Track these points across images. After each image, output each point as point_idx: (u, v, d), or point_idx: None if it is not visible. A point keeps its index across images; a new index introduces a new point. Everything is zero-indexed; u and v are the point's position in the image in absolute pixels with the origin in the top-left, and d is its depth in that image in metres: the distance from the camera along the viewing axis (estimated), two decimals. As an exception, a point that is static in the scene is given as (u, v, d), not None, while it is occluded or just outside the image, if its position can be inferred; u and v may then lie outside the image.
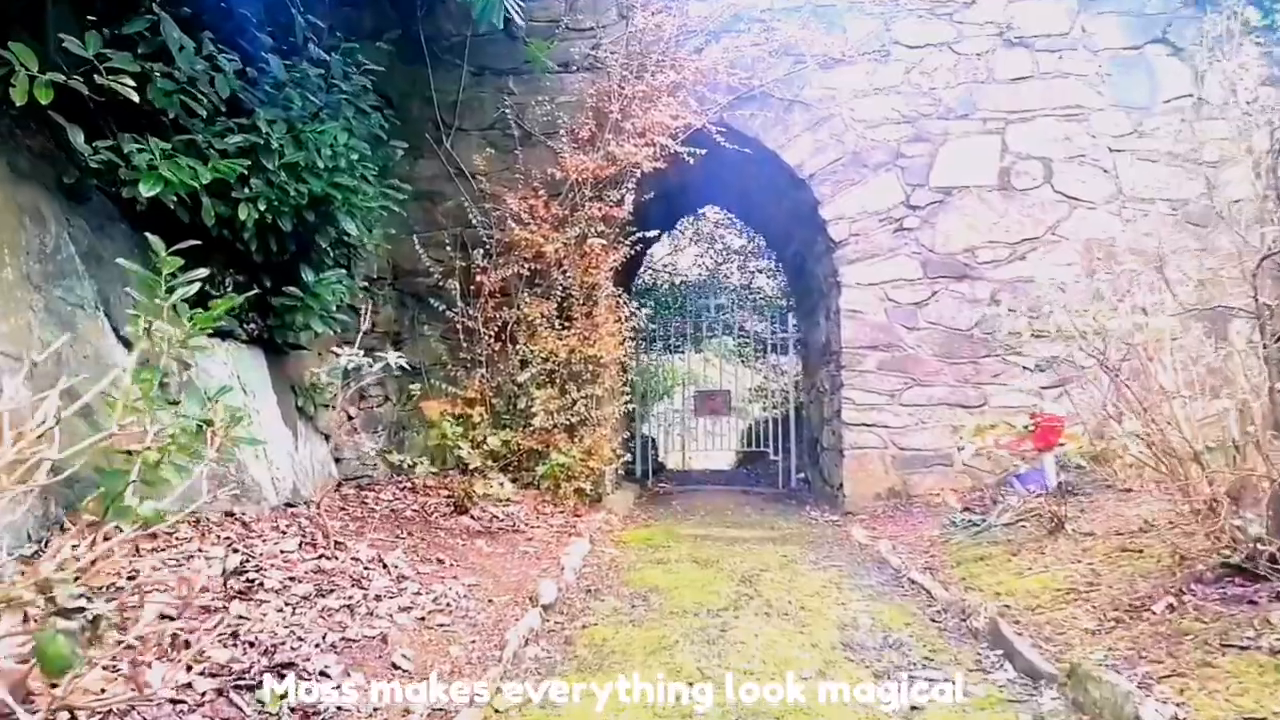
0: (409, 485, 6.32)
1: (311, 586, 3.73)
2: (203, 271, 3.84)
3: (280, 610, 3.45)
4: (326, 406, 6.10)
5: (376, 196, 5.60)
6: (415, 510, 5.74)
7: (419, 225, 7.27)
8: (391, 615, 3.62)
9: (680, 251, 18.87)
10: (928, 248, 7.18)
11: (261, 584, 3.66)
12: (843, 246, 7.22)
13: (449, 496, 5.98)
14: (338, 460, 6.17)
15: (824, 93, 7.24)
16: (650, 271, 18.77)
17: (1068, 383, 6.65)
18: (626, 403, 8.55)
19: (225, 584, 3.55)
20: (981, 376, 7.11)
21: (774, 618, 3.96)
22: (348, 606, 3.62)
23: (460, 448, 5.73)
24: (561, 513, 6.35)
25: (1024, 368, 7.07)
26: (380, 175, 6.35)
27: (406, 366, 7.20)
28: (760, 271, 17.36)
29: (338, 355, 4.36)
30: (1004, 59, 7.24)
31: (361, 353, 4.45)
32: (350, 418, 6.35)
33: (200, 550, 3.82)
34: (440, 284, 6.91)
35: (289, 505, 5.06)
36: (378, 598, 3.78)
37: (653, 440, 18.08)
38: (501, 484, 5.52)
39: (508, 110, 7.22)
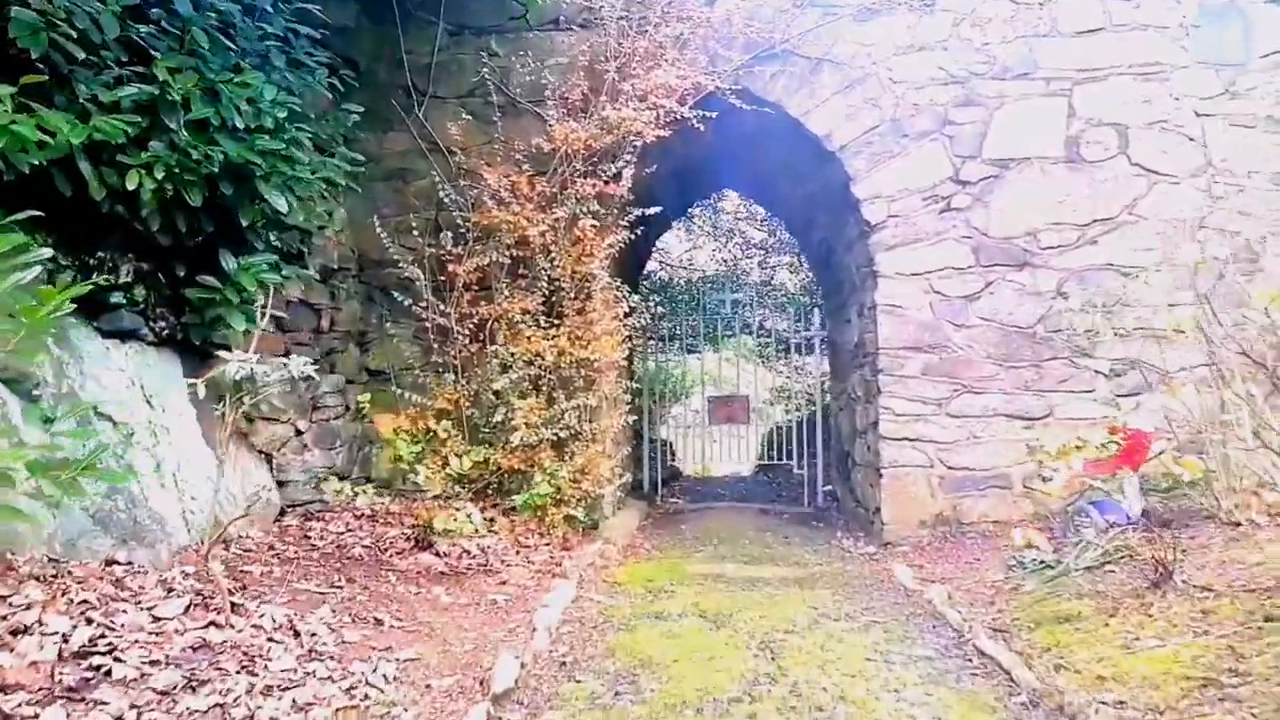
0: (368, 513, 5.36)
1: (180, 674, 2.76)
2: (45, 252, 2.92)
3: (119, 718, 2.49)
4: (268, 420, 5.15)
5: (317, 166, 4.64)
6: (367, 546, 4.77)
7: (388, 208, 6.31)
8: (274, 725, 2.64)
9: (698, 248, 17.90)
10: (980, 231, 6.10)
11: (109, 671, 2.69)
12: (879, 230, 6.16)
13: (414, 526, 5.01)
14: (282, 484, 5.21)
15: (858, 49, 6.17)
16: (666, 267, 17.80)
17: (1139, 390, 5.57)
18: (631, 411, 7.57)
19: (53, 674, 2.60)
20: (1045, 382, 6.03)
21: (804, 717, 2.93)
22: (220, 707, 2.65)
23: (416, 472, 4.75)
24: (548, 545, 5.36)
25: (1097, 372, 5.98)
26: (332, 144, 5.41)
27: (372, 370, 6.35)
28: (782, 266, 16.32)
29: (229, 361, 3.35)
30: (1070, 8, 6.14)
31: (256, 358, 3.47)
32: (299, 432, 5.39)
33: (39, 622, 2.85)
34: (411, 276, 5.95)
35: (222, 543, 4.12)
36: (268, 690, 2.80)
37: (668, 445, 17.13)
38: (469, 515, 4.55)
39: (489, 74, 6.22)
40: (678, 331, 10.16)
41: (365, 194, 6.34)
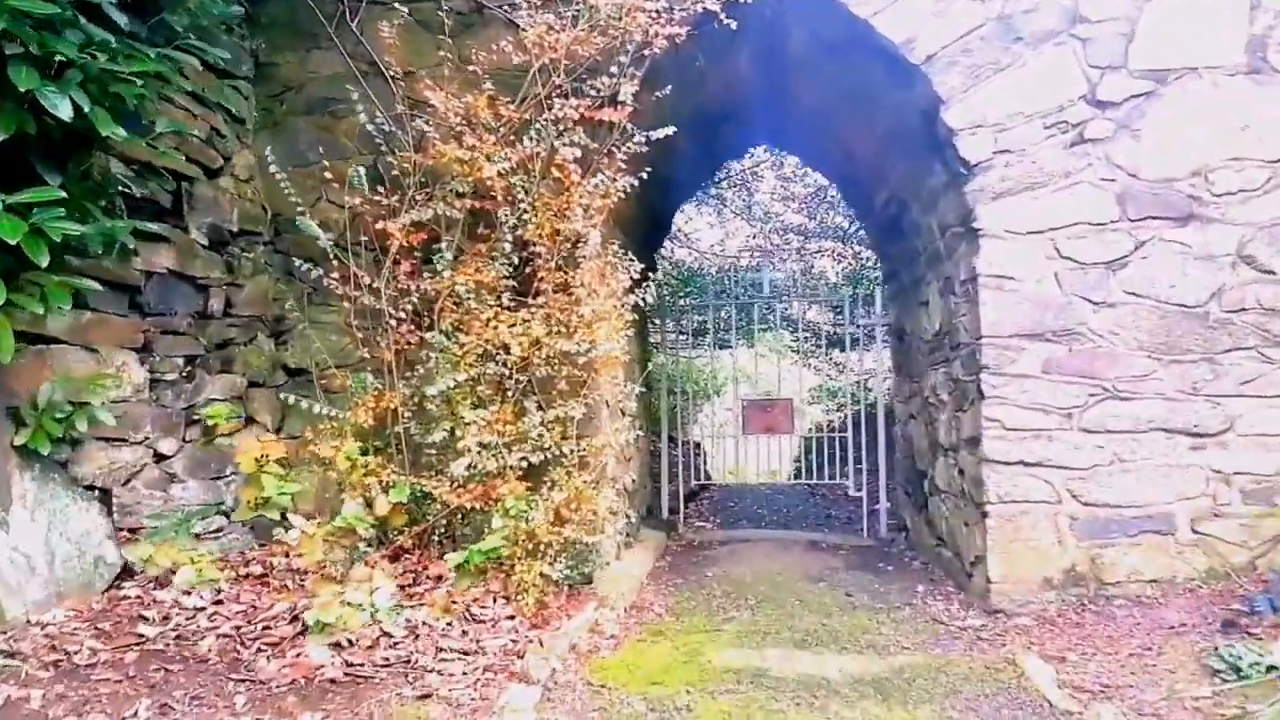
0: (257, 573, 3.78)
1: None
2: None
3: None
4: (107, 441, 3.59)
5: (135, 52, 3.05)
6: (226, 635, 3.17)
7: (312, 150, 4.73)
8: None
9: (730, 235, 16.17)
10: (1127, 171, 4.34)
11: None
12: (982, 172, 4.42)
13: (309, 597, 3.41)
14: (134, 532, 3.65)
15: (950, -81, 4.45)
16: (695, 255, 16.08)
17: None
18: (646, 418, 5.93)
19: None
20: (1222, 383, 4.25)
21: None
22: None
23: (287, 524, 3.15)
24: (512, 618, 3.73)
25: (1303, 368, 4.19)
26: (236, 65, 3.86)
27: (291, 369, 4.75)
28: (824, 254, 14.52)
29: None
30: None
31: None
32: (161, 457, 3.83)
33: None
34: (340, 242, 4.37)
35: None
36: None
37: (698, 449, 15.43)
38: (373, 591, 2.93)
39: (445, -30, 4.61)
40: (709, 324, 8.49)
41: (284, 132, 4.79)
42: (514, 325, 4.01)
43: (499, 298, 4.11)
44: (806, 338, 14.22)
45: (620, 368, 5.01)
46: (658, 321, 7.41)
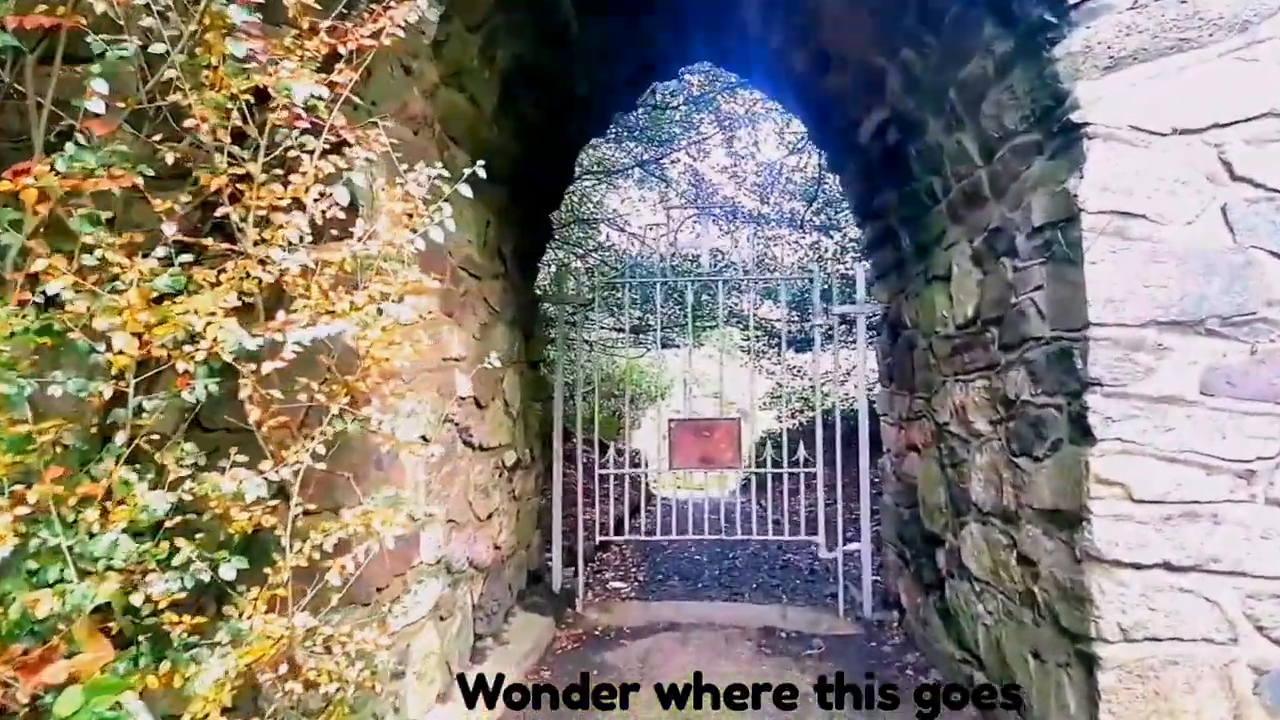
0: None
1: None
2: None
3: None
4: None
5: None
6: None
7: None
8: None
9: (677, 225, 14.10)
10: (1353, 19, 2.35)
11: None
12: (1089, 17, 2.37)
13: None
14: None
15: None
16: (631, 239, 13.97)
17: None
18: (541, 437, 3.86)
19: None
20: None
21: None
22: None
23: None
24: None
25: None
26: None
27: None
28: (781, 241, 12.62)
29: None
30: None
31: None
32: None
33: None
34: None
35: None
36: None
37: (638, 457, 13.36)
38: None
39: None
40: (629, 313, 6.37)
41: None
42: (128, 292, 1.81)
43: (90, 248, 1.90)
44: (760, 336, 12.27)
45: (443, 374, 2.87)
46: (571, 311, 5.26)
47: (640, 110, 10.03)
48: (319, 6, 2.18)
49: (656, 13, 4.35)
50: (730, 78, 9.18)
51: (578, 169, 9.08)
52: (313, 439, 2.00)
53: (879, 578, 5.08)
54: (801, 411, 11.75)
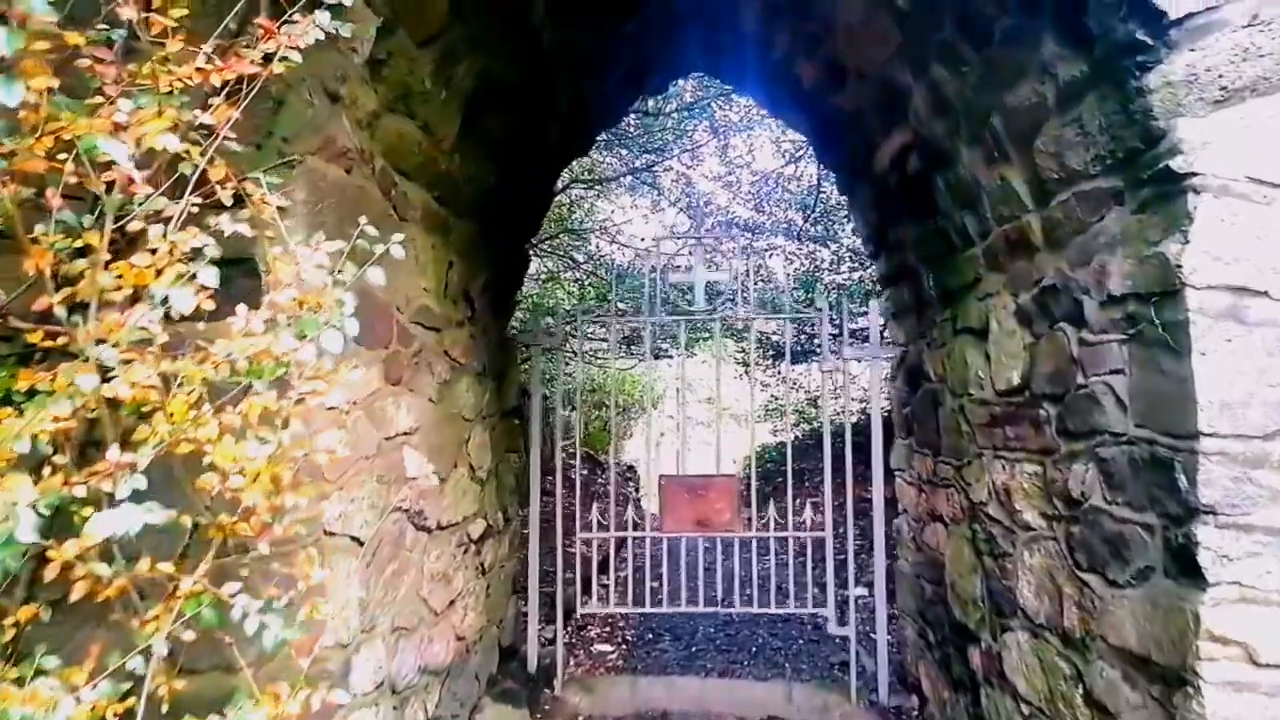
0: None
1: None
2: None
3: None
4: None
5: None
6: None
7: None
8: None
9: (668, 232, 13.53)
10: None
11: None
12: (1198, 36, 1.83)
13: None
14: None
15: None
16: (622, 249, 13.41)
17: None
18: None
19: None
20: None
21: None
22: None
23: None
24: None
25: None
26: None
27: None
28: (776, 252, 12.12)
29: None
30: None
31: None
32: None
33: None
34: None
35: None
36: None
37: (631, 473, 12.82)
38: None
39: None
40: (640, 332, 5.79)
41: None
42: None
43: None
44: (768, 349, 11.78)
45: (385, 458, 2.34)
46: (545, 350, 4.71)
47: (632, 116, 9.49)
48: (187, 25, 1.63)
49: (644, 18, 3.81)
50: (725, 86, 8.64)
51: (566, 175, 8.53)
52: (162, 628, 1.45)
53: (891, 639, 4.56)
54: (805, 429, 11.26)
